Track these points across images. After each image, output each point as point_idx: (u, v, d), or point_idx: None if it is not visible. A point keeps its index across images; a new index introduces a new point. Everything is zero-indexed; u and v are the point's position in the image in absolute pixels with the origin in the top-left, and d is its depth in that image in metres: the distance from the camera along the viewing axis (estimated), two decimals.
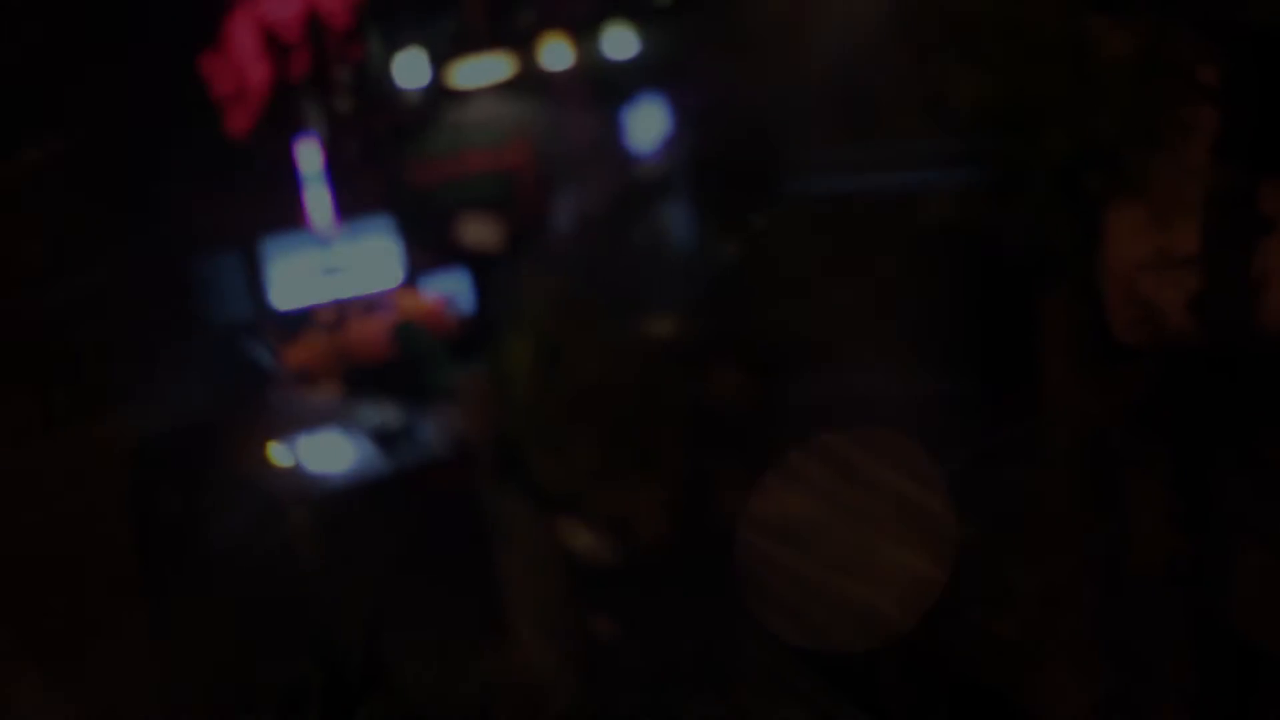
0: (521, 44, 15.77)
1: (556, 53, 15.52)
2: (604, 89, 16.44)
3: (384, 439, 15.81)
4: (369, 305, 22.77)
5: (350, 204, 21.70)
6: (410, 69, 17.09)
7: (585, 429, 6.02)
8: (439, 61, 16.52)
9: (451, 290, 23.10)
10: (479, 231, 15.84)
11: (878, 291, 4.32)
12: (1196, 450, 3.74)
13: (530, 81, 15.92)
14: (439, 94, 16.35)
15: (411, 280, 23.70)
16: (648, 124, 16.17)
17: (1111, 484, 3.23)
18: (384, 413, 16.46)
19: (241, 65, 17.34)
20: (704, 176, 4.79)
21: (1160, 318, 3.83)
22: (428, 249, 17.38)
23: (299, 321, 15.95)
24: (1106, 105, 2.98)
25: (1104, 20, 2.93)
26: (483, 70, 15.57)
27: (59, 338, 5.59)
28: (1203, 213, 3.77)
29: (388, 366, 22.34)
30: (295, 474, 10.69)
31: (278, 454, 10.65)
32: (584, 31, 15.64)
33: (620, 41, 15.34)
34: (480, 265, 17.32)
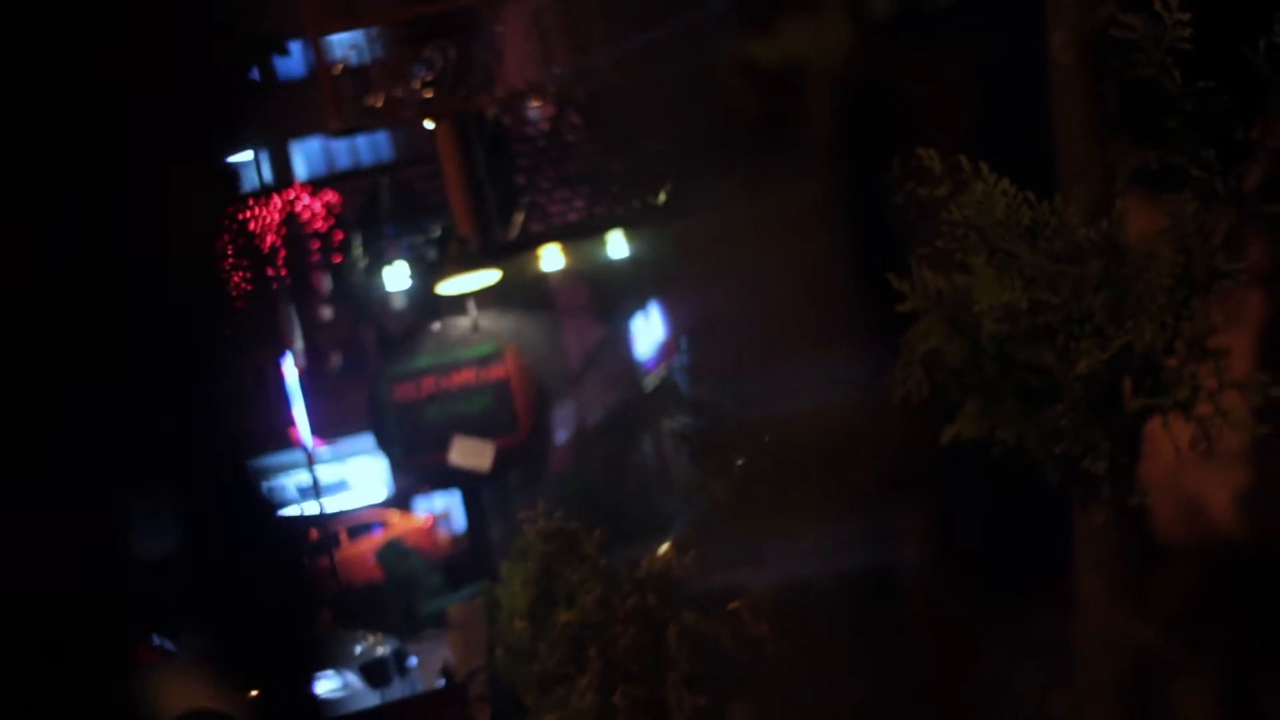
0: (511, 252, 15.79)
1: (548, 260, 15.54)
2: (599, 297, 16.47)
3: (371, 670, 15.61)
4: (355, 525, 22.75)
5: (334, 419, 21.75)
6: (396, 279, 17.07)
7: (583, 671, 5.92)
8: (427, 270, 16.53)
9: (441, 510, 23.08)
10: (468, 449, 15.76)
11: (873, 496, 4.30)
12: (1243, 656, 3.64)
13: (521, 291, 15.94)
14: (427, 304, 16.35)
15: (399, 499, 23.71)
16: (645, 331, 16.18)
17: (1156, 701, 3.12)
18: (371, 641, 16.29)
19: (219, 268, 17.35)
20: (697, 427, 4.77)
21: (1204, 514, 3.75)
22: (415, 467, 17.29)
23: None
24: (1145, 317, 2.87)
25: (1140, 221, 2.84)
26: (471, 279, 15.57)
27: None
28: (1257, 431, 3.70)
29: (375, 590, 22.28)
30: None
31: None
32: (576, 238, 15.67)
33: (615, 247, 15.36)
34: (471, 484, 17.26)
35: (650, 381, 16.00)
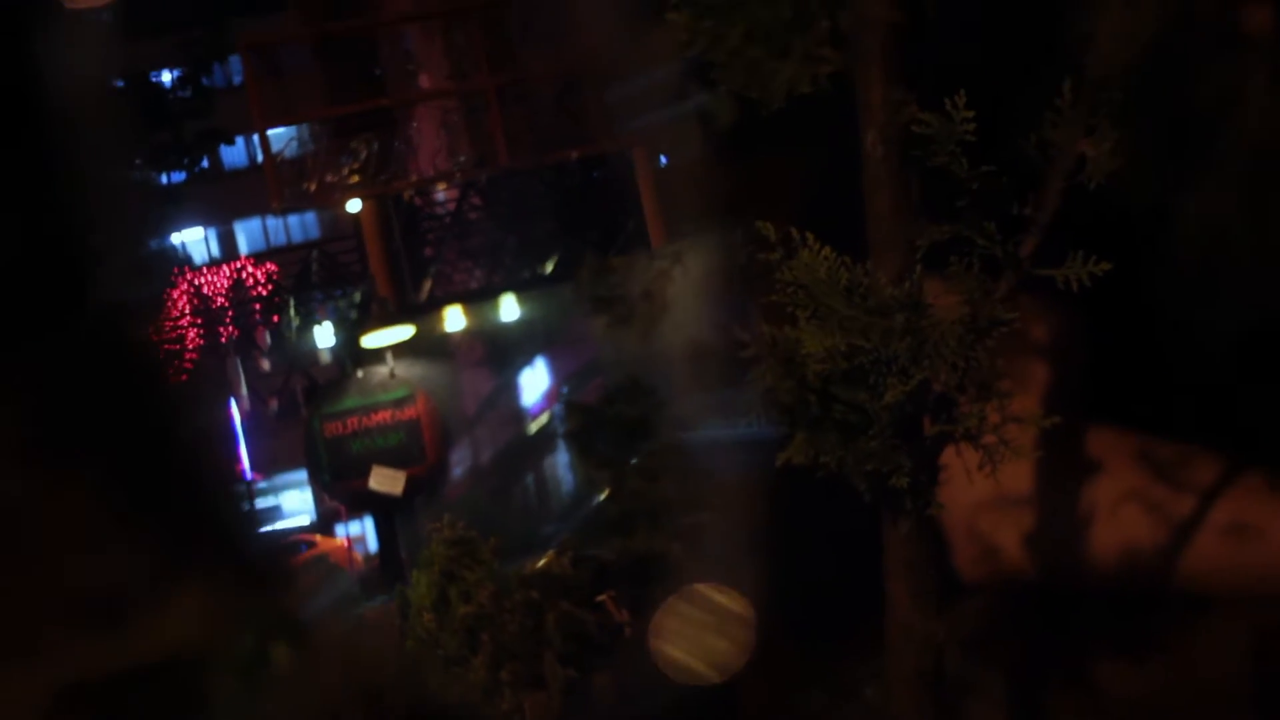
0: (421, 312, 15.77)
1: (451, 320, 15.54)
2: (495, 351, 16.46)
3: None
4: (287, 544, 22.58)
5: (270, 456, 21.62)
6: (324, 335, 17.07)
7: (477, 653, 5.94)
8: (351, 327, 16.53)
9: (358, 533, 22.94)
10: (384, 477, 15.73)
11: (728, 521, 4.28)
12: (1028, 676, 3.66)
13: (430, 345, 15.91)
14: (350, 356, 16.34)
15: (324, 524, 23.56)
16: (534, 381, 16.18)
17: (951, 705, 3.14)
18: None
19: (178, 327, 17.28)
20: (583, 426, 4.78)
21: (997, 556, 3.76)
22: (341, 491, 17.28)
23: None
24: (939, 360, 2.92)
25: (937, 283, 2.89)
26: (388, 335, 15.56)
27: None
28: (1034, 456, 3.71)
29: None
30: None
31: None
32: (476, 301, 15.66)
33: (508, 309, 15.37)
34: (385, 507, 17.21)
35: (535, 424, 15.99)
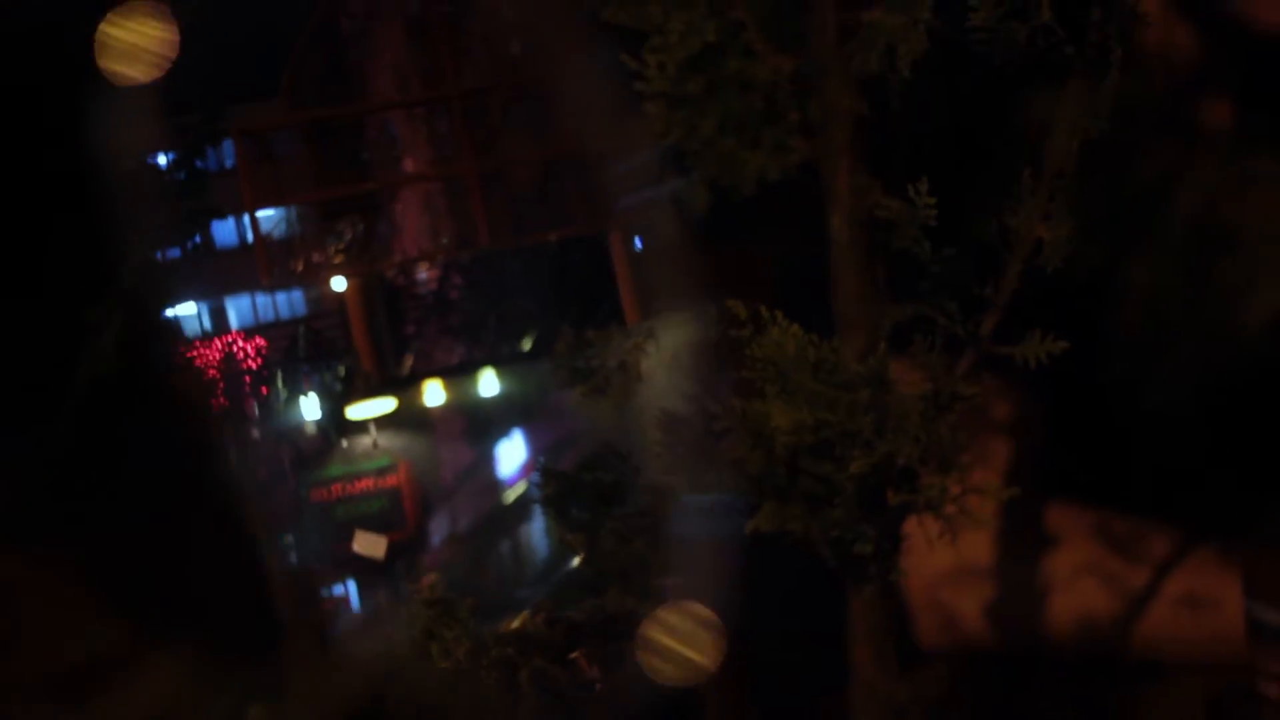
0: (403, 385, 15.77)
1: (431, 394, 15.54)
2: (473, 424, 16.45)
3: None
4: None
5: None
6: (310, 407, 17.13)
7: (455, 705, 5.95)
8: (335, 399, 16.54)
9: (340, 593, 22.82)
10: (367, 541, 15.70)
11: (698, 584, 4.29)
12: None
13: (411, 417, 15.91)
14: (335, 427, 16.33)
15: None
16: (511, 453, 16.17)
17: None
18: None
19: None
20: (558, 492, 4.79)
21: (958, 624, 3.77)
22: (326, 554, 17.26)
23: None
24: (902, 434, 2.95)
25: (902, 362, 2.92)
26: (372, 407, 15.56)
27: None
28: (995, 529, 3.73)
29: None
30: None
31: None
32: (456, 376, 15.67)
33: (487, 384, 15.38)
34: (367, 570, 17.18)
35: (512, 494, 15.96)
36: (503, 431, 16.43)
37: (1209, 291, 3.54)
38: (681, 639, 3.05)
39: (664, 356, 3.36)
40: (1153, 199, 3.51)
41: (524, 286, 15.80)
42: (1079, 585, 3.68)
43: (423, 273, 16.78)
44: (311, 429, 18.02)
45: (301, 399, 18.16)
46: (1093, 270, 3.03)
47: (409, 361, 16.47)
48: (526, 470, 16.32)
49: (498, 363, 15.32)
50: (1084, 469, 3.85)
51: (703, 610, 3.01)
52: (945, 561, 3.72)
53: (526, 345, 15.40)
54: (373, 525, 16.27)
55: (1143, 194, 3.46)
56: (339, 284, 17.09)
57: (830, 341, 2.95)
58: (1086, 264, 2.87)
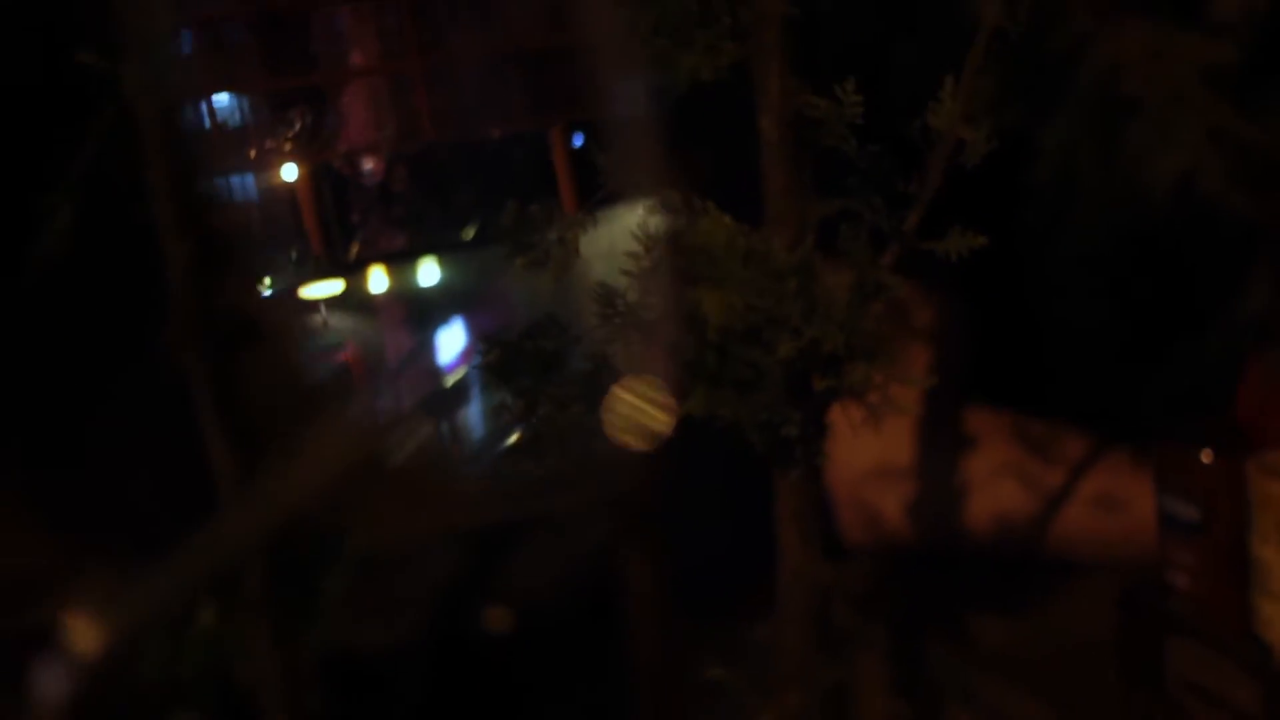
0: (350, 270, 15.75)
1: (375, 280, 15.52)
2: (417, 309, 16.45)
3: None
4: None
5: None
6: (264, 287, 17.08)
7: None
8: (287, 280, 16.50)
9: None
10: None
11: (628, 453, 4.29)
12: (908, 630, 3.69)
13: (357, 302, 15.90)
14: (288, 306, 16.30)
15: None
16: (453, 337, 16.18)
17: (836, 647, 3.16)
18: None
19: None
20: (500, 359, 4.77)
21: (880, 521, 3.79)
22: None
23: None
24: (829, 321, 2.95)
25: (829, 262, 2.92)
26: (322, 288, 15.54)
27: None
28: (916, 430, 3.74)
29: None
30: None
31: None
32: (399, 262, 15.63)
33: (428, 271, 15.35)
34: None
35: (450, 379, 15.98)
36: (445, 317, 16.44)
37: (1117, 157, 3.54)
38: (640, 409, 3.04)
39: (603, 239, 3.34)
40: (1064, 68, 3.50)
41: (466, 179, 15.76)
42: (997, 486, 3.70)
43: (369, 163, 16.72)
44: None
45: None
46: (1011, 163, 3.03)
47: (355, 248, 16.42)
48: (465, 358, 16.33)
49: (440, 250, 15.29)
50: (1002, 374, 3.86)
51: (658, 384, 3.00)
52: (868, 460, 3.74)
53: (468, 234, 15.38)
54: None
55: (1054, 64, 3.46)
56: (289, 172, 17.00)
57: (760, 231, 2.94)
58: (1004, 145, 2.86)
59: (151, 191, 3.01)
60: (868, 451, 3.66)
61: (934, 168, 2.90)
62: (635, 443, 3.24)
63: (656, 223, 3.07)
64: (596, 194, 3.17)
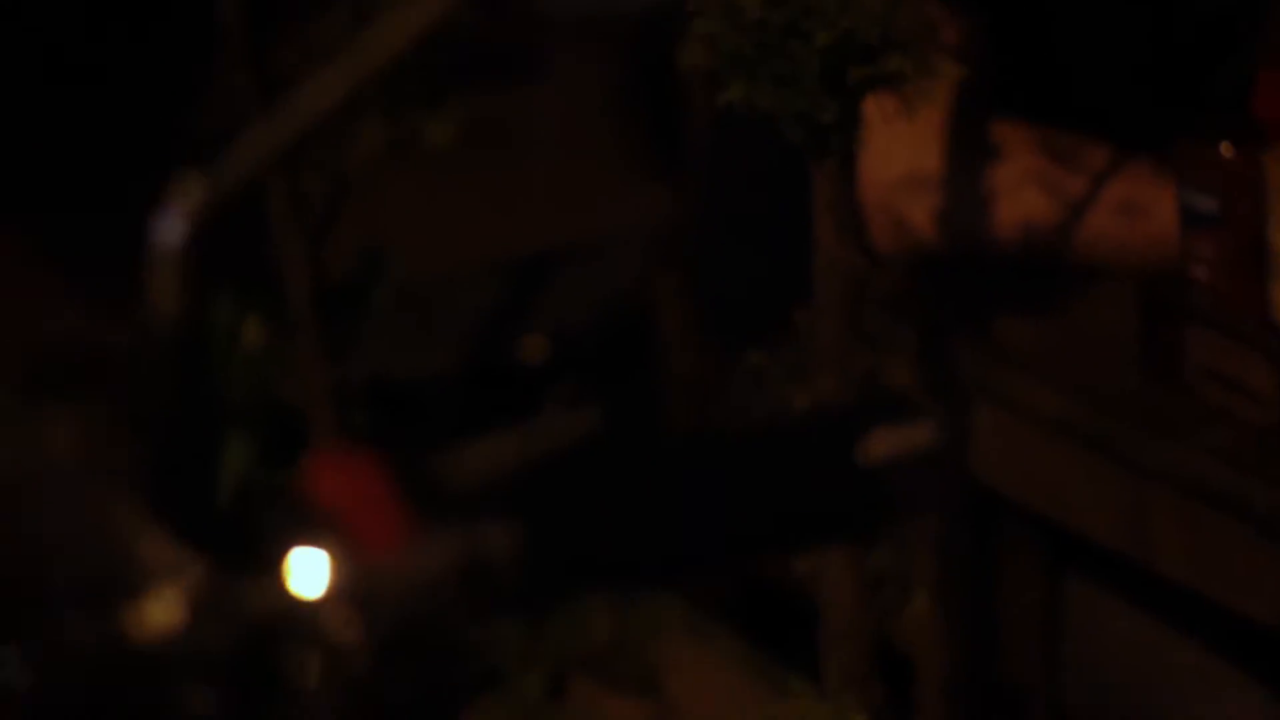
0: None
1: None
2: None
3: None
4: None
5: None
6: None
7: None
8: None
9: None
10: None
11: None
12: (936, 331, 3.79)
13: None
14: None
15: None
16: None
17: (868, 339, 3.26)
18: None
19: None
20: None
21: (909, 229, 3.88)
22: None
23: None
24: (864, 14, 3.01)
25: None
26: None
27: None
28: (944, 140, 3.82)
29: None
30: None
31: None
32: None
33: None
34: None
35: None
36: None
37: None
38: None
39: None
40: None
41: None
42: (1022, 194, 3.77)
43: None
44: None
45: None
46: None
47: None
48: None
49: None
50: (1027, 95, 3.92)
51: None
52: (897, 170, 3.82)
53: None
54: None
55: None
56: None
57: None
58: None
59: None
60: (897, 161, 3.73)
61: None
62: None
63: None
64: None
